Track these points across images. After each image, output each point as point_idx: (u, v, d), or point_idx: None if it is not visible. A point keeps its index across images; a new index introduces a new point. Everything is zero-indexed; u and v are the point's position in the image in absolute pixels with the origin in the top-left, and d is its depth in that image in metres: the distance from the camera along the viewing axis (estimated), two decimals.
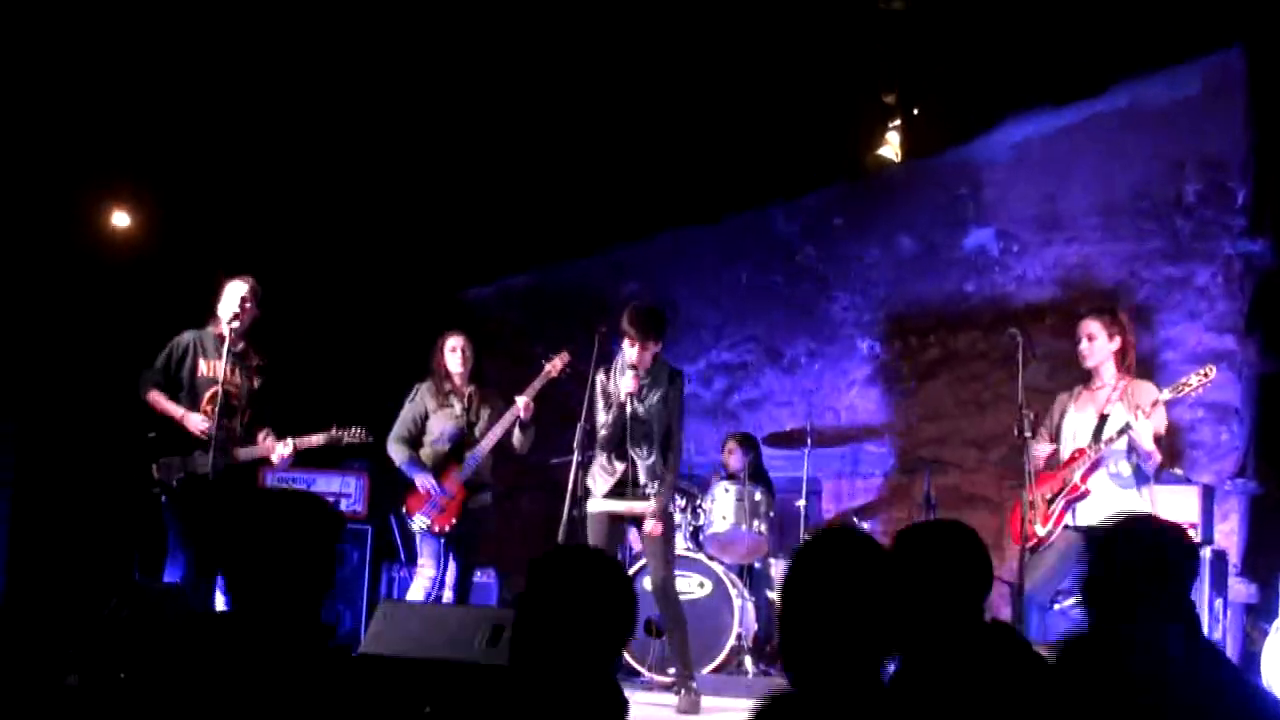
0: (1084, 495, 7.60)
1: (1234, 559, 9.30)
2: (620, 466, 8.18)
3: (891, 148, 11.45)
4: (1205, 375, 7.57)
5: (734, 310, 12.04)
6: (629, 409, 8.08)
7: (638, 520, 8.22)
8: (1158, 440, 7.58)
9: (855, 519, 10.14)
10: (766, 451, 10.60)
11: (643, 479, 8.14)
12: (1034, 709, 3.59)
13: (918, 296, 11.19)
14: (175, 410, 8.26)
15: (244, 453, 8.41)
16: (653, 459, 8.13)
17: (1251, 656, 8.65)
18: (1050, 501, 7.74)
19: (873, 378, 11.35)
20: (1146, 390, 7.79)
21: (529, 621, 3.45)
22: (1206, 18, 9.57)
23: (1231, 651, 8.94)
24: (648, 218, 11.87)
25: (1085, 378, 8.00)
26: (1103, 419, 7.68)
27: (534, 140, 10.82)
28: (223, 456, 8.21)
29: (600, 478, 8.21)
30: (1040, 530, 7.70)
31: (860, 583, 3.22)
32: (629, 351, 8.05)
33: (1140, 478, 7.69)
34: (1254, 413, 9.83)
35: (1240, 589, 9.24)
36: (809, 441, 10.01)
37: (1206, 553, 8.38)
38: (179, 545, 8.24)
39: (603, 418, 8.17)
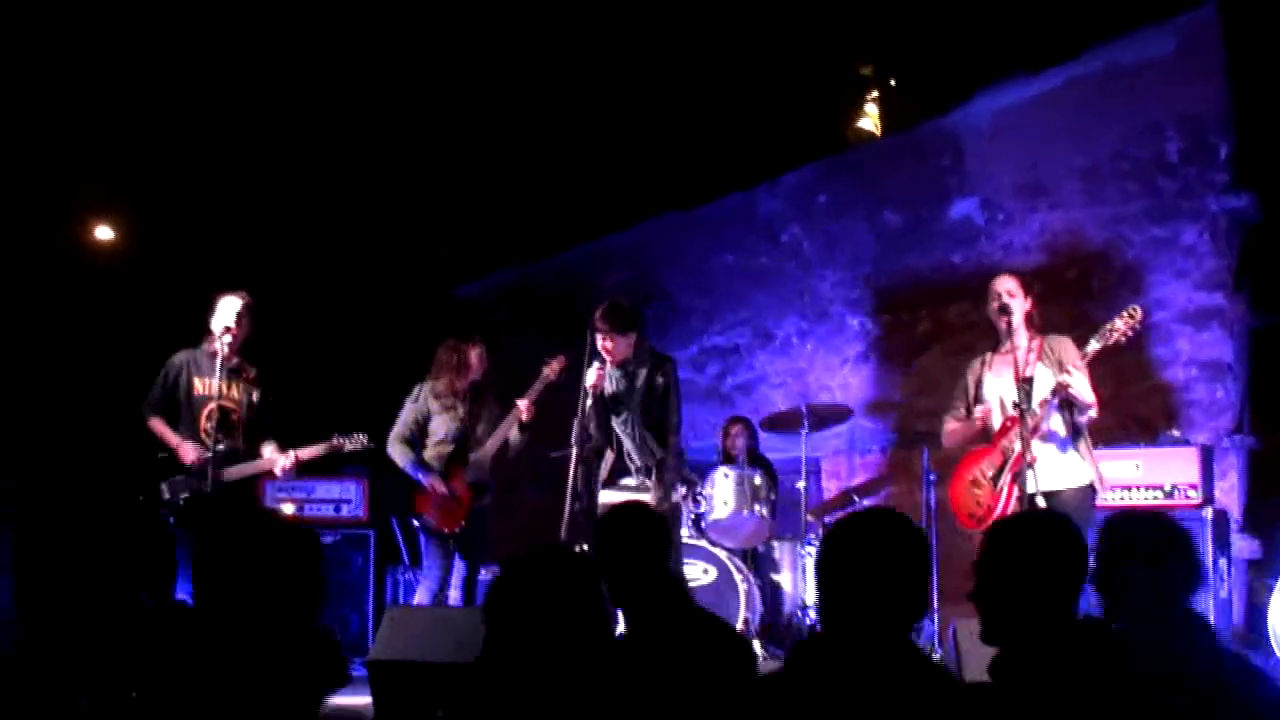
0: (1032, 463, 7.26)
1: (1235, 516, 9.31)
2: (611, 456, 8.29)
3: (871, 120, 11.42)
4: (1131, 316, 7.31)
5: (723, 294, 12.04)
6: (606, 394, 8.24)
7: None
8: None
9: (855, 497, 10.12)
10: (763, 434, 10.59)
11: (629, 466, 8.24)
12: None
13: (905, 270, 11.19)
14: (172, 438, 8.34)
15: (233, 471, 8.39)
16: (633, 446, 8.21)
17: (1257, 610, 8.68)
18: (995, 477, 7.66)
19: (865, 354, 11.36)
20: (1064, 343, 7.72)
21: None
22: None
23: (1237, 607, 8.96)
24: (631, 206, 11.87)
25: (993, 344, 7.95)
26: (1028, 382, 7.40)
27: (514, 135, 10.80)
28: (220, 473, 8.23)
29: (603, 468, 8.33)
30: (994, 508, 7.52)
31: (889, 554, 3.54)
32: (600, 344, 8.20)
33: (1074, 434, 7.59)
34: (1247, 368, 9.83)
35: (1243, 545, 9.25)
36: (805, 422, 9.98)
37: (1208, 512, 8.38)
38: (186, 563, 8.26)
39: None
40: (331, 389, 10.78)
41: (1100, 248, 10.25)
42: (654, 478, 8.21)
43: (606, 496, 8.26)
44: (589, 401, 8.16)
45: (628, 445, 8.31)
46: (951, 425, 8.02)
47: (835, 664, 3.43)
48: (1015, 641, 3.73)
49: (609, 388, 8.28)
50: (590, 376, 8.18)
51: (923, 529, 3.73)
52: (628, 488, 8.25)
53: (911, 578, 3.52)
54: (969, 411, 7.91)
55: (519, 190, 11.46)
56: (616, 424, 8.33)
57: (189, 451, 8.26)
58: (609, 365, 8.23)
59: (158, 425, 8.39)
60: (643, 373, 8.24)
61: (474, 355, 9.05)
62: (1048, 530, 3.95)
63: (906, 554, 3.52)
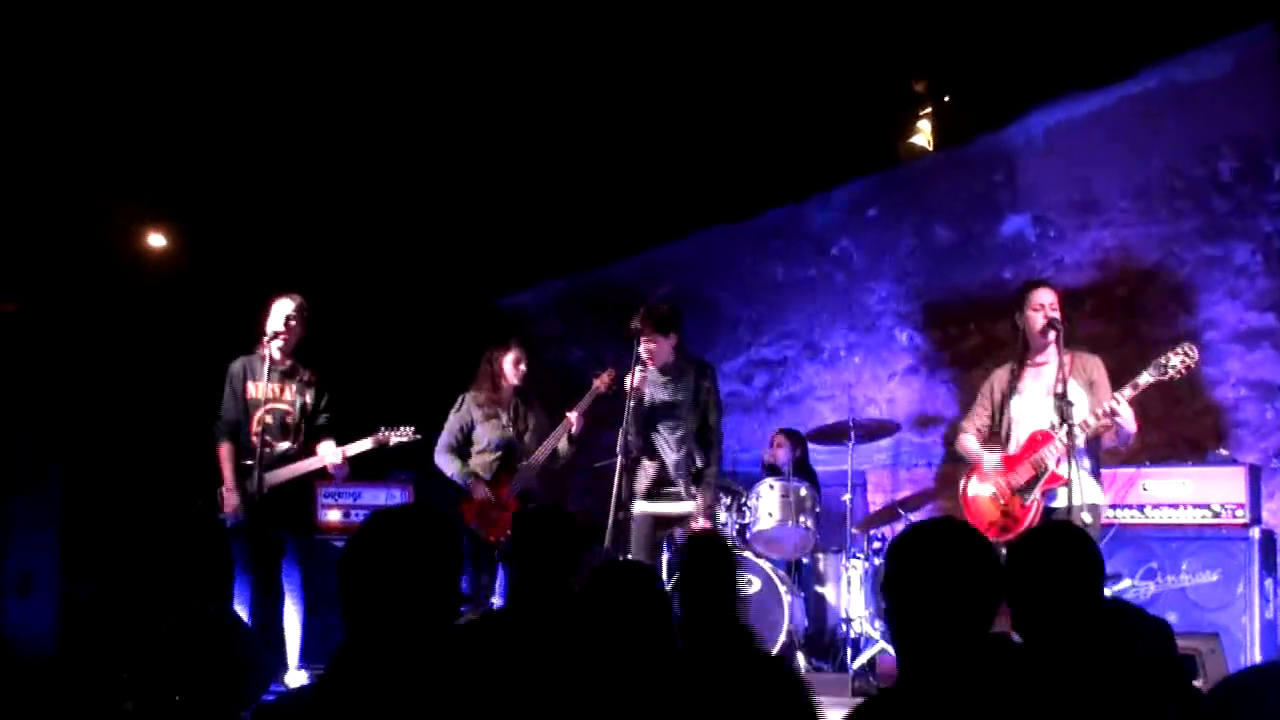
0: (1065, 482, 7.39)
1: None
2: (652, 465, 8.27)
3: (924, 136, 11.41)
4: (1188, 355, 7.46)
5: (771, 306, 12.04)
6: (647, 401, 8.21)
7: (680, 521, 8.27)
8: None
9: (901, 511, 10.09)
10: (810, 446, 10.59)
11: (673, 476, 8.21)
12: None
13: (955, 285, 11.16)
14: (228, 478, 8.31)
15: (282, 473, 8.41)
16: (681, 455, 8.18)
17: None
18: (1023, 491, 7.71)
19: (914, 368, 11.33)
20: (1094, 361, 7.82)
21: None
22: None
23: None
24: (681, 217, 11.88)
25: (1018, 354, 7.97)
26: (1061, 399, 7.49)
27: (565, 144, 10.84)
28: (264, 480, 8.24)
29: (640, 477, 8.30)
30: (1023, 520, 7.61)
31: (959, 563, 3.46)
32: (641, 347, 8.16)
33: (1091, 454, 7.72)
34: None
35: None
36: (852, 435, 9.97)
37: (1255, 533, 8.31)
38: (245, 569, 8.29)
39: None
40: (379, 396, 10.81)
41: (1152, 266, 10.21)
42: (699, 488, 8.20)
43: (649, 508, 8.27)
44: (632, 404, 8.18)
45: (671, 455, 8.28)
46: (973, 442, 8.04)
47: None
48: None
49: (655, 395, 8.26)
50: (634, 377, 8.20)
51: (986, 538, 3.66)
52: (670, 497, 8.24)
53: (989, 585, 3.47)
54: (993, 422, 7.96)
55: (569, 201, 11.49)
56: (663, 432, 8.30)
57: (230, 500, 8.27)
58: (650, 369, 8.22)
59: (224, 454, 8.35)
60: (690, 380, 8.23)
61: (507, 361, 9.09)
62: (1064, 541, 3.98)
63: (981, 562, 3.47)
